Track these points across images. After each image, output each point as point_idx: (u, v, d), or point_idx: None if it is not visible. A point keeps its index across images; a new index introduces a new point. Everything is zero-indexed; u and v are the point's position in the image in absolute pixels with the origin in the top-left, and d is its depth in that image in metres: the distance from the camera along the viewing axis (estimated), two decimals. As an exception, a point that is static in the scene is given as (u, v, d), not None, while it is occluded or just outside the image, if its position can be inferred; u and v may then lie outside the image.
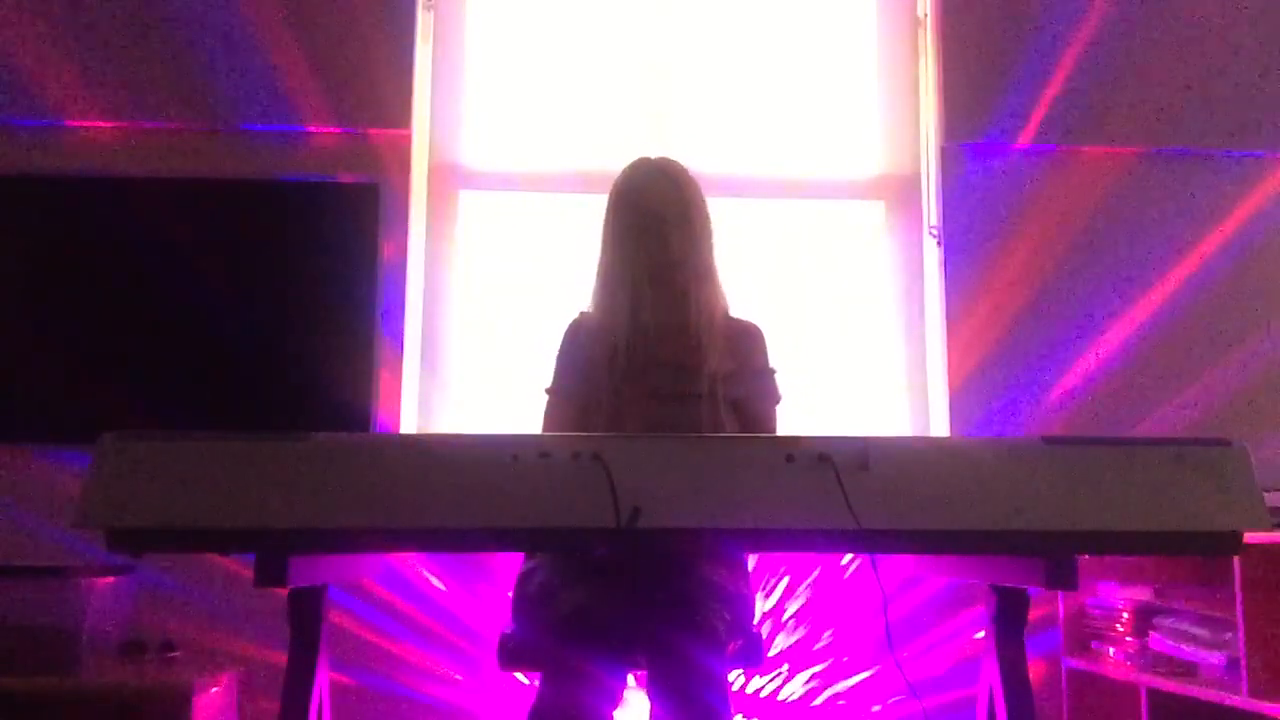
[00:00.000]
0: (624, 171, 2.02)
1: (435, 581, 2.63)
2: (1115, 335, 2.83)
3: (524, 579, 1.77)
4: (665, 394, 1.89)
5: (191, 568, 2.55)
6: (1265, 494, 1.35)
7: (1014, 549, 1.39)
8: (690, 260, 1.95)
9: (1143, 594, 2.43)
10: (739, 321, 2.03)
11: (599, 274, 2.00)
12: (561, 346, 2.02)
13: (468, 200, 2.96)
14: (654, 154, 2.04)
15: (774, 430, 1.98)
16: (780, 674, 2.64)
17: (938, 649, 2.64)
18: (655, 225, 1.92)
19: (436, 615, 2.62)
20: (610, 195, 2.01)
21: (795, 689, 2.65)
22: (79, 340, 2.69)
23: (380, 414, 2.70)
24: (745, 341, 2.01)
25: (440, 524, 1.29)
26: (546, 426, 1.97)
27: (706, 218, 1.99)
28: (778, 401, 2.01)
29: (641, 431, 1.81)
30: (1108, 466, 1.33)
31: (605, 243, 2.00)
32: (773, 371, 2.01)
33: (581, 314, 2.03)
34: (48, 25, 2.78)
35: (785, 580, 2.68)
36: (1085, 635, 2.60)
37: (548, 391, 2.00)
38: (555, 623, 1.59)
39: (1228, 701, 2.07)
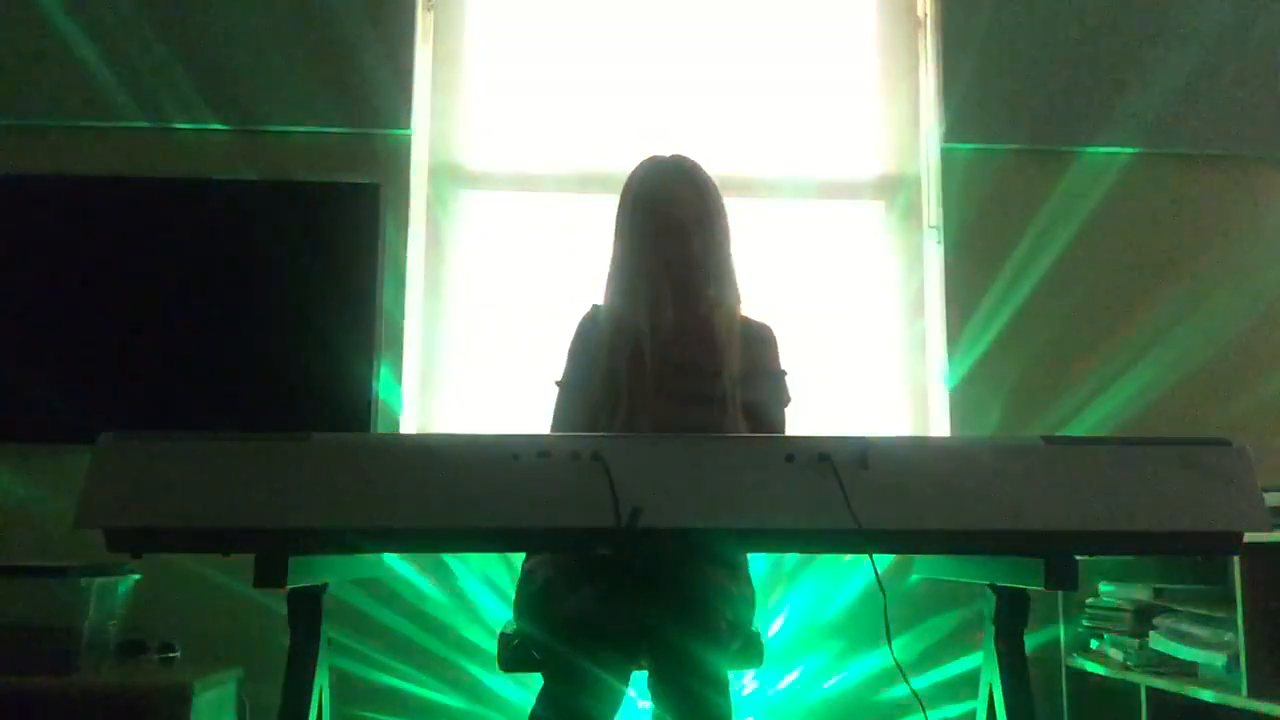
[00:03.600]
0: (640, 170, 1.97)
1: (435, 581, 2.63)
2: (1115, 335, 2.83)
3: (526, 579, 1.77)
4: (683, 396, 1.86)
5: (191, 568, 2.54)
6: (1265, 494, 1.36)
7: (1014, 549, 1.39)
8: (710, 262, 1.93)
9: (1143, 594, 2.43)
10: (753, 323, 2.01)
11: (614, 269, 1.96)
12: (574, 339, 1.99)
13: (468, 200, 2.96)
14: (665, 153, 1.99)
15: (783, 432, 1.97)
16: (780, 673, 2.64)
17: (938, 649, 2.64)
18: (676, 228, 1.89)
19: (437, 614, 2.62)
20: (626, 193, 1.96)
21: (795, 688, 2.65)
22: (79, 340, 2.69)
23: (380, 414, 2.70)
24: (759, 343, 2.00)
25: (440, 524, 1.29)
26: (555, 419, 1.94)
27: (725, 219, 1.97)
28: (788, 404, 2.00)
29: (656, 432, 1.78)
30: (1108, 466, 1.34)
31: (621, 240, 1.96)
32: (784, 374, 2.01)
33: (594, 307, 2.00)
34: (48, 25, 2.78)
35: (785, 579, 2.68)
36: (1085, 635, 2.60)
37: (558, 384, 1.97)
38: (557, 623, 1.59)
39: (1228, 701, 2.07)
